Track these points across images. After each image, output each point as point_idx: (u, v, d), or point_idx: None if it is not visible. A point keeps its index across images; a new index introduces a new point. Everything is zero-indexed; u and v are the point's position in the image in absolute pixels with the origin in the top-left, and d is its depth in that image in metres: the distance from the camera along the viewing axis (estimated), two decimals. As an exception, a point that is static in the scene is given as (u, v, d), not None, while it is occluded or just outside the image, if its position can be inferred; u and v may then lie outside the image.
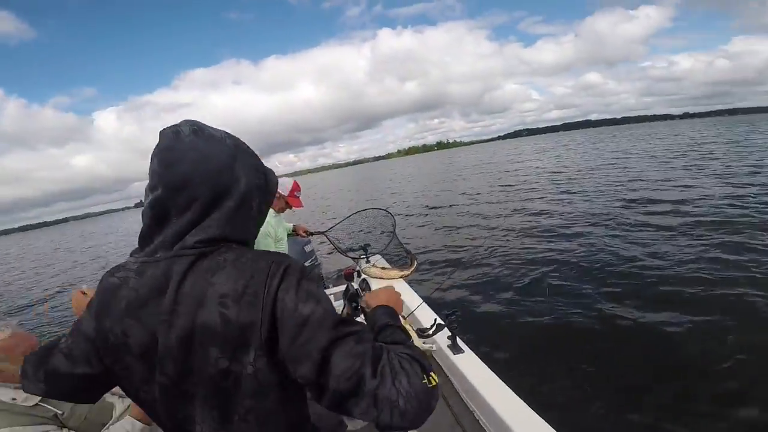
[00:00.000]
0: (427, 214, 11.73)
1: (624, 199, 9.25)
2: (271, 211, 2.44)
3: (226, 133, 0.69)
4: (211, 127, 0.68)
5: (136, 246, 0.69)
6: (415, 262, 3.22)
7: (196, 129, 0.65)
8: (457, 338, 1.99)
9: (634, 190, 10.24)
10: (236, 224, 0.66)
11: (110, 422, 1.22)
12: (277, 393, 0.63)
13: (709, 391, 2.62)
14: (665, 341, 3.21)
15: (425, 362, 0.60)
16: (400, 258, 3.42)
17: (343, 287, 3.38)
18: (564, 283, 4.71)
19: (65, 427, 1.18)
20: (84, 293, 1.22)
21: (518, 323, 3.87)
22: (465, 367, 1.84)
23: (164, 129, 0.66)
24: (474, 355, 1.92)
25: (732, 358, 2.87)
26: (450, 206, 12.51)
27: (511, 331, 3.75)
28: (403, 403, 0.54)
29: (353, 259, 3.46)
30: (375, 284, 3.09)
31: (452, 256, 6.80)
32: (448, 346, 2.02)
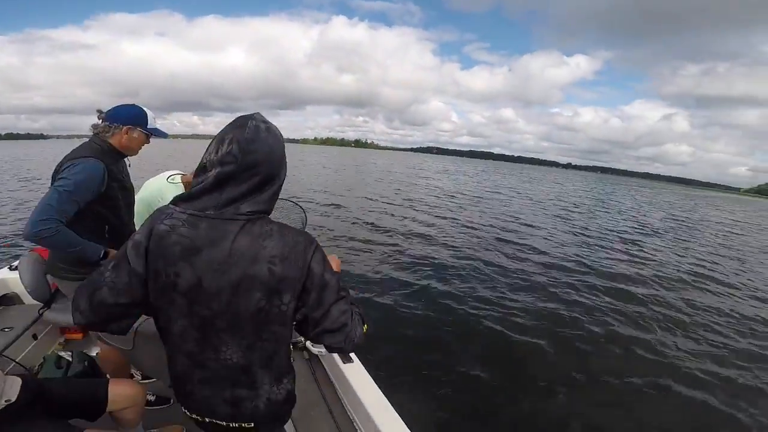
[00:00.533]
0: (332, 209, 11.70)
1: (502, 229, 10.85)
2: (182, 185, 2.29)
3: (278, 130, 0.87)
4: (272, 124, 0.85)
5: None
6: None
7: (268, 126, 0.83)
8: None
9: (508, 225, 11.90)
10: (272, 203, 0.87)
11: None
12: (289, 323, 0.87)
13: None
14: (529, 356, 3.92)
15: (365, 318, 0.93)
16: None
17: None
18: (445, 293, 5.38)
19: None
20: None
21: (404, 332, 4.18)
22: (352, 378, 1.83)
23: (244, 119, 0.82)
24: (361, 366, 1.92)
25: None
26: (357, 207, 12.61)
27: (398, 339, 4.00)
28: (356, 339, 0.88)
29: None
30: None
31: (349, 255, 6.96)
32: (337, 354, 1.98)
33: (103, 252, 1.56)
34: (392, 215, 11.51)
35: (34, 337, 2.39)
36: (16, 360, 2.05)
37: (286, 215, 3.41)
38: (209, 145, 0.84)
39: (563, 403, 3.27)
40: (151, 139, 1.77)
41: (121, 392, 1.42)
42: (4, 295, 2.72)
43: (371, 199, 14.78)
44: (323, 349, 2.04)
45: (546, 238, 10.11)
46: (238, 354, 0.86)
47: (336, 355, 1.95)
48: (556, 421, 3.06)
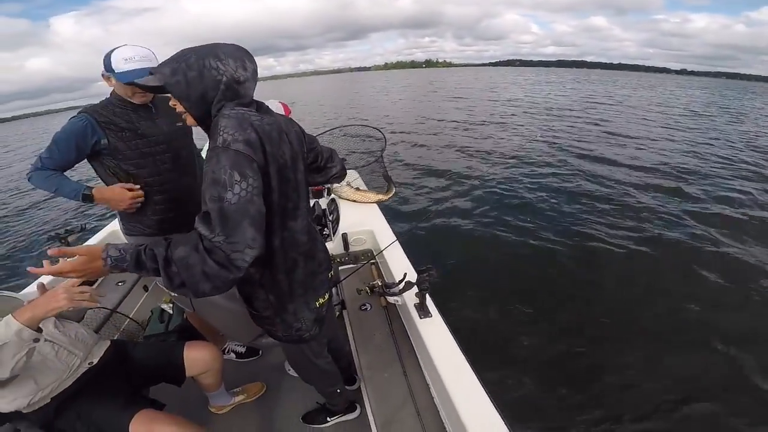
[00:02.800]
0: (409, 136, 10.96)
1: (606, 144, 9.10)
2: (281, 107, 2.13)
3: None
4: None
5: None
6: (394, 189, 2.81)
7: None
8: (427, 298, 1.67)
9: (612, 139, 10.02)
10: None
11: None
12: None
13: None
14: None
15: None
16: (378, 181, 2.96)
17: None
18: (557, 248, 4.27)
19: None
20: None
21: (499, 290, 3.47)
22: (429, 335, 1.57)
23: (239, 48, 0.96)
24: (442, 322, 1.64)
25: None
26: (435, 133, 11.64)
27: (491, 298, 3.35)
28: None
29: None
30: (345, 206, 2.68)
31: (434, 190, 6.26)
32: (415, 305, 1.71)
33: (84, 190, 1.50)
34: (469, 138, 10.42)
35: (145, 288, 2.47)
36: (130, 316, 2.17)
37: (362, 140, 3.14)
38: (226, 63, 0.90)
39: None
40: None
41: (196, 356, 1.40)
42: None
43: (441, 121, 13.56)
44: (399, 299, 1.78)
45: (656, 157, 8.31)
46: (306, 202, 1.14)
47: (413, 308, 1.71)
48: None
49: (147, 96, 1.52)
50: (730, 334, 2.92)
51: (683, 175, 6.98)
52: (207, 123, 0.95)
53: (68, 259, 0.83)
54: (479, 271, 3.79)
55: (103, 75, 1.48)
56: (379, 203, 2.72)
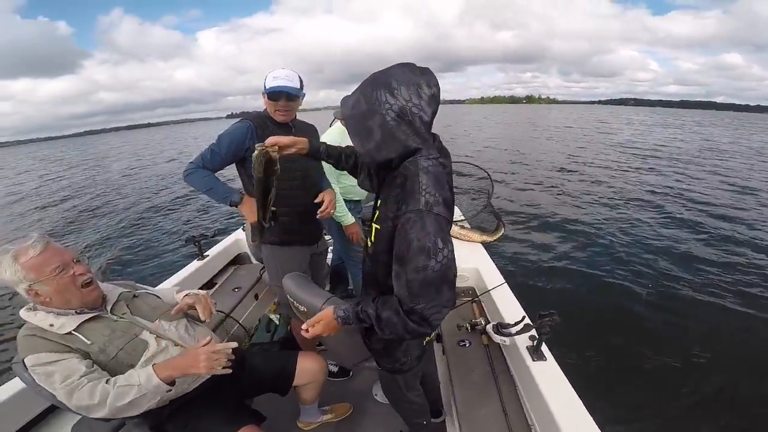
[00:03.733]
0: (515, 171, 10.65)
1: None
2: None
3: None
4: None
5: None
6: (503, 229, 2.76)
7: None
8: (543, 344, 1.60)
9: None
10: None
11: (138, 364, 1.13)
12: None
13: None
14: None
15: None
16: (484, 221, 2.96)
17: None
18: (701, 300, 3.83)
19: (91, 360, 1.08)
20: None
21: (632, 344, 3.17)
22: (541, 377, 1.49)
23: (419, 67, 0.81)
24: (556, 366, 1.55)
25: None
26: (544, 166, 11.19)
27: (605, 351, 3.07)
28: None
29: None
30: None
31: (545, 229, 5.94)
32: (527, 347, 1.65)
33: (236, 196, 1.58)
34: (568, 181, 9.73)
35: (256, 297, 2.57)
36: (239, 321, 2.29)
37: (469, 180, 3.17)
38: (398, 91, 0.78)
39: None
40: (300, 102, 1.69)
41: (307, 367, 1.43)
42: (238, 255, 2.94)
43: (571, 160, 12.89)
44: (507, 340, 1.70)
45: None
46: None
47: (524, 349, 1.66)
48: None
49: (286, 115, 1.66)
50: None
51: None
52: (387, 167, 0.91)
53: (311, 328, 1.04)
54: (589, 318, 3.54)
55: (262, 93, 1.62)
56: (485, 243, 2.69)
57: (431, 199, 0.80)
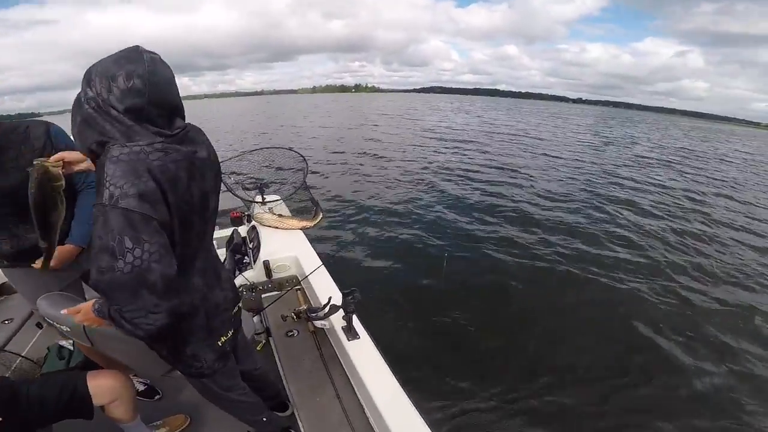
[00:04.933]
0: (335, 159, 11.09)
1: (502, 168, 10.16)
2: None
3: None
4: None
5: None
6: (321, 214, 2.81)
7: (159, 56, 0.81)
8: (353, 319, 1.73)
9: (508, 161, 11.20)
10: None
11: None
12: None
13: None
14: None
15: None
16: (302, 206, 2.94)
17: (227, 233, 2.81)
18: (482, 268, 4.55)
19: None
20: None
21: (423, 309, 3.59)
22: (358, 357, 1.61)
23: (134, 53, 0.77)
24: (371, 342, 1.69)
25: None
26: (362, 153, 11.99)
27: (415, 317, 3.45)
28: None
29: (244, 201, 2.87)
30: (267, 233, 2.61)
31: (359, 212, 6.45)
32: (342, 327, 1.75)
33: None
34: (414, 159, 11.00)
35: (39, 326, 2.22)
36: (22, 354, 1.93)
37: (283, 165, 3.11)
38: (93, 83, 0.77)
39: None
40: None
41: (101, 384, 1.28)
42: (3, 283, 2.49)
43: (384, 145, 14.03)
44: (326, 323, 1.79)
45: (549, 177, 9.72)
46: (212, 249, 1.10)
47: (340, 330, 1.72)
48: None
49: None
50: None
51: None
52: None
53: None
54: (400, 290, 3.96)
55: None
56: (304, 230, 2.69)
57: (116, 191, 0.71)
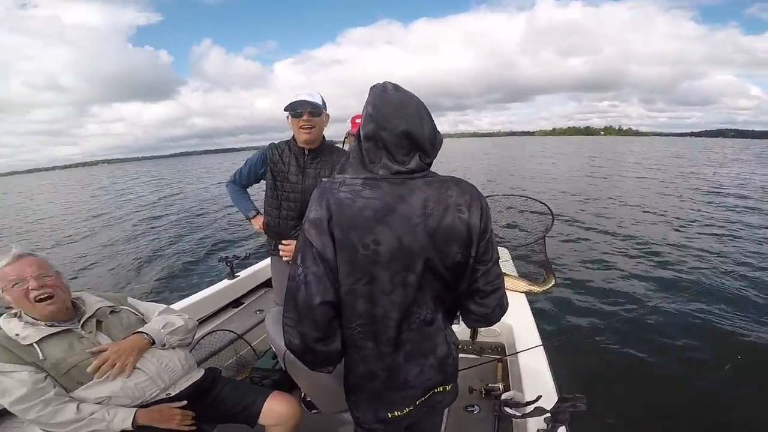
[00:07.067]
0: (575, 210, 9.67)
1: None
2: None
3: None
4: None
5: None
6: (553, 279, 2.37)
7: (396, 85, 0.84)
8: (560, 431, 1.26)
9: None
10: (433, 155, 0.86)
11: (89, 383, 1.16)
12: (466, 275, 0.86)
13: None
14: None
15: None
16: (531, 266, 2.58)
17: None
18: None
19: (44, 373, 1.12)
20: None
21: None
22: None
23: (373, 87, 0.84)
24: None
25: None
26: (612, 205, 10.08)
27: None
28: (504, 311, 0.91)
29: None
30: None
31: (605, 282, 5.01)
32: (539, 430, 1.32)
33: (249, 213, 1.87)
34: (655, 227, 8.06)
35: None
36: (252, 344, 2.28)
37: (522, 214, 2.82)
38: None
39: None
40: (319, 120, 1.70)
41: (274, 408, 1.38)
42: (270, 278, 2.81)
43: (618, 200, 11.21)
44: (518, 412, 1.41)
45: None
46: (429, 311, 0.87)
47: (542, 420, 1.32)
48: None
49: (310, 133, 1.65)
50: None
51: None
52: None
53: None
54: (652, 405, 2.71)
55: (287, 117, 1.68)
56: (529, 294, 2.32)
57: (307, 214, 0.81)
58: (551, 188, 14.60)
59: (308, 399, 1.87)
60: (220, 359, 2.12)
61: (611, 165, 24.67)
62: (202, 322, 2.44)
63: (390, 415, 0.92)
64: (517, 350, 1.79)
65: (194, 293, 2.58)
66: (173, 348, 1.35)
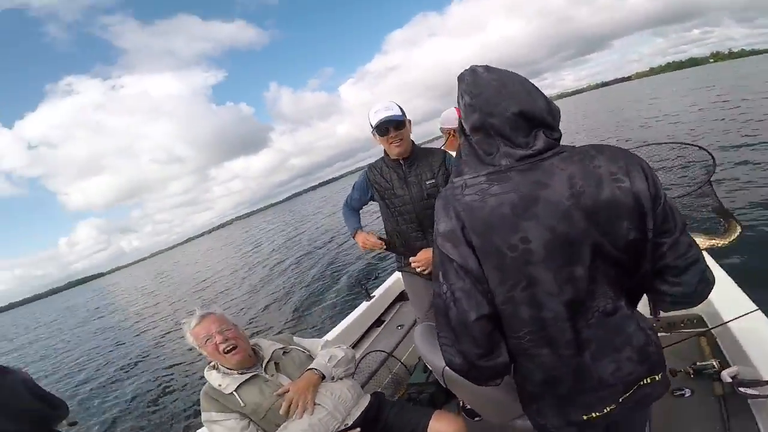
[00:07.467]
0: (739, 156, 7.68)
1: None
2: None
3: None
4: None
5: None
6: (739, 228, 1.91)
7: (486, 66, 0.77)
8: None
9: None
10: (557, 124, 0.76)
11: (285, 423, 1.22)
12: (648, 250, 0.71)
13: None
14: None
15: None
16: (703, 219, 2.14)
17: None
18: None
19: (248, 420, 1.23)
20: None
21: None
22: None
23: (461, 74, 0.78)
24: None
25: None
26: None
27: None
28: (711, 286, 0.74)
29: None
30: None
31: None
32: None
33: (352, 231, 1.87)
34: None
35: None
36: (401, 360, 2.30)
37: (674, 162, 2.34)
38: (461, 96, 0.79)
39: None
40: (402, 131, 1.69)
41: (438, 428, 1.35)
42: (402, 291, 2.97)
43: None
44: (758, 392, 1.24)
45: None
46: (609, 301, 0.74)
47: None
48: None
49: (401, 145, 1.65)
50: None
51: None
52: None
53: None
54: None
55: (372, 134, 1.71)
56: (712, 249, 1.91)
57: (435, 227, 0.76)
58: (680, 130, 12.23)
59: (468, 407, 1.83)
60: (378, 380, 2.21)
61: (738, 90, 19.83)
62: (353, 345, 2.56)
63: (585, 417, 0.81)
64: (725, 320, 1.48)
65: (341, 319, 2.74)
66: (341, 379, 1.41)
